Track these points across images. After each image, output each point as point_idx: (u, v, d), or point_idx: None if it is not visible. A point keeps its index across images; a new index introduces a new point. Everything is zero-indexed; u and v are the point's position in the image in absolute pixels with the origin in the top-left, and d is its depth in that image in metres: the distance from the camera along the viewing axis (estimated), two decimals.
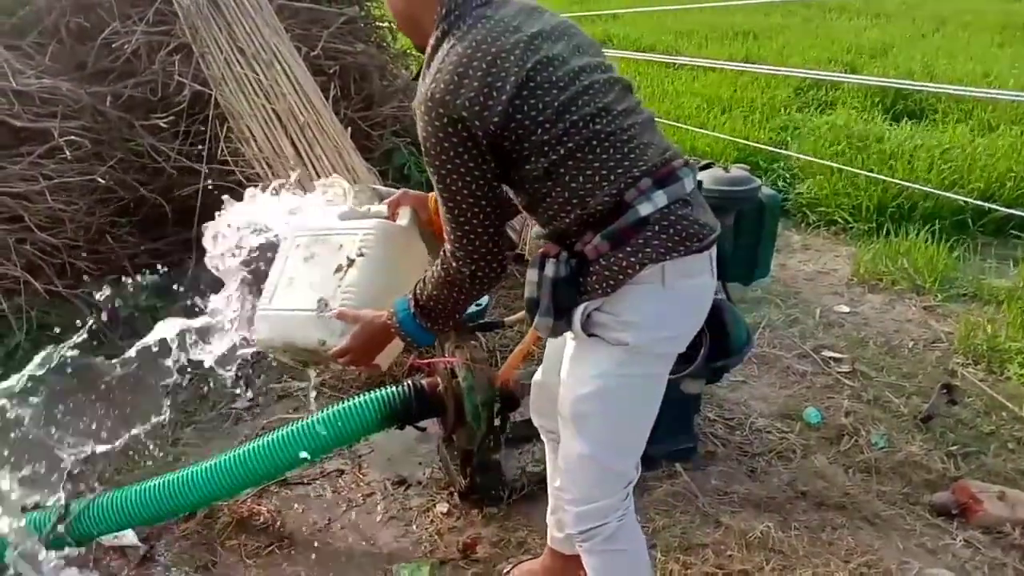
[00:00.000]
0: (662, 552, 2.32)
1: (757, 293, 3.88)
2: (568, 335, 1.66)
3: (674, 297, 1.56)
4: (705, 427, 2.90)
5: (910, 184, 4.73)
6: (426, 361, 2.49)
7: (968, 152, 5.21)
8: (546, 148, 1.51)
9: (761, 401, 3.10)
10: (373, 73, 4.50)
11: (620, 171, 1.52)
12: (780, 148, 5.68)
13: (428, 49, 1.60)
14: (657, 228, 1.51)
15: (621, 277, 1.51)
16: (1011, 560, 2.32)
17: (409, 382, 2.41)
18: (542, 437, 2.08)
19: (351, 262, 1.90)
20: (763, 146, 5.64)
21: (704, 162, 2.61)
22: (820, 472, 2.70)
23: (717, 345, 2.45)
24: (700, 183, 1.83)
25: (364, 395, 2.35)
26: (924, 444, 2.82)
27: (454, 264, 1.58)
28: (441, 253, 1.62)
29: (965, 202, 4.58)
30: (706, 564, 2.27)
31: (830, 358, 3.38)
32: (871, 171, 4.94)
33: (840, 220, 4.83)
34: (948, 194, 4.62)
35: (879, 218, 4.71)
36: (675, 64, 8.17)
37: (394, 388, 2.37)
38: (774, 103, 6.87)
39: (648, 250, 1.50)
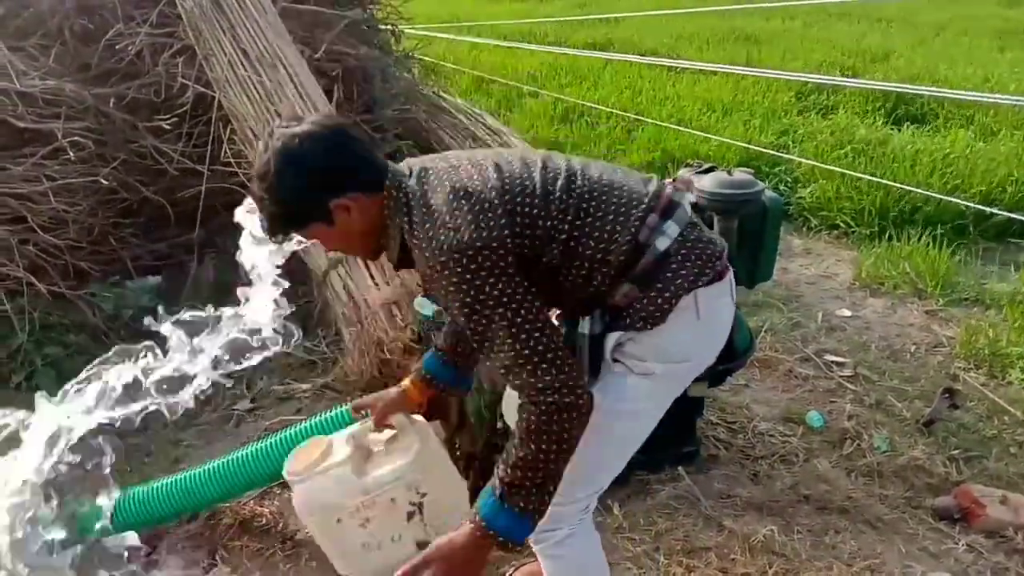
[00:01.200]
0: (665, 555, 2.32)
1: (759, 297, 3.88)
2: None
3: (706, 325, 1.58)
4: (707, 431, 2.90)
5: (912, 188, 4.73)
6: None
7: (969, 157, 5.22)
8: (552, 232, 1.50)
9: (763, 405, 3.10)
10: (376, 76, 4.50)
11: (623, 217, 1.52)
12: (782, 152, 5.69)
13: (396, 236, 1.55)
14: (680, 258, 1.53)
15: (659, 314, 1.52)
16: (1014, 565, 2.32)
17: None
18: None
19: (419, 504, 1.90)
20: (765, 150, 5.65)
21: (706, 166, 2.61)
22: (823, 476, 2.70)
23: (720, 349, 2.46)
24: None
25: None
26: (926, 448, 2.82)
27: (543, 399, 1.41)
28: (520, 414, 1.46)
29: (966, 206, 4.58)
30: (709, 568, 2.27)
31: (832, 362, 3.38)
32: (873, 175, 4.95)
33: (842, 224, 4.83)
34: (950, 198, 4.62)
35: (881, 222, 4.71)
36: (676, 68, 8.18)
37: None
38: (775, 107, 6.88)
39: (679, 281, 1.52)
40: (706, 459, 2.77)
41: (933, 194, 4.67)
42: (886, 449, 2.82)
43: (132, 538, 2.39)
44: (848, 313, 3.85)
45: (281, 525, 2.48)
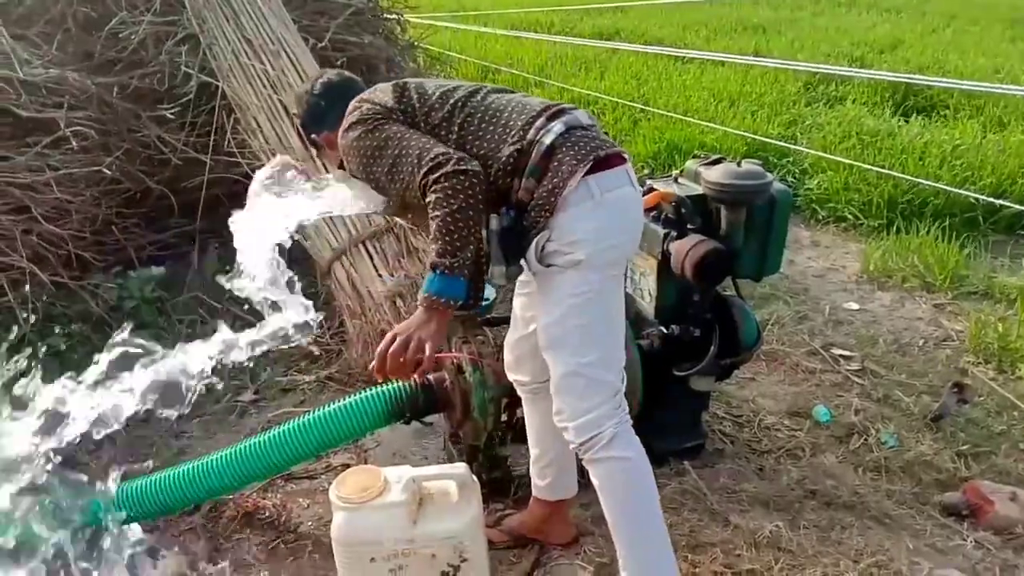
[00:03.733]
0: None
1: (766, 290, 3.85)
2: (526, 278, 1.91)
3: (607, 209, 1.76)
4: (714, 424, 2.88)
5: (921, 181, 4.69)
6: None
7: (979, 148, 5.17)
8: (444, 127, 1.82)
9: (770, 399, 3.08)
10: (380, 65, 4.48)
11: (511, 123, 1.79)
12: (789, 143, 5.64)
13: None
14: (565, 148, 1.74)
15: (553, 199, 1.72)
16: (1022, 562, 2.30)
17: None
18: (517, 391, 2.20)
19: (456, 568, 1.93)
20: (772, 141, 5.61)
21: (714, 157, 2.58)
22: (829, 471, 2.67)
23: (726, 342, 2.44)
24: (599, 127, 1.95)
25: (371, 390, 2.33)
26: (934, 443, 2.80)
27: (438, 173, 1.70)
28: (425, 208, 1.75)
29: (976, 199, 4.54)
30: (714, 563, 2.25)
31: (839, 356, 3.36)
32: (881, 167, 4.91)
33: (850, 216, 4.80)
34: (959, 190, 4.58)
35: (889, 214, 4.68)
36: (683, 58, 8.13)
37: (401, 383, 2.35)
38: (783, 97, 6.83)
39: (564, 168, 1.73)
40: (712, 453, 2.75)
41: (942, 186, 4.62)
42: (893, 444, 2.79)
43: (136, 531, 2.38)
44: (856, 306, 3.82)
45: (284, 518, 2.47)
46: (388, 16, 5.11)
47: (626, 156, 1.85)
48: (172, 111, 3.75)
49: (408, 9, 5.45)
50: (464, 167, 1.70)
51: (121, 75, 3.78)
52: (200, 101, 3.83)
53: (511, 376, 2.19)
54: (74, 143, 3.39)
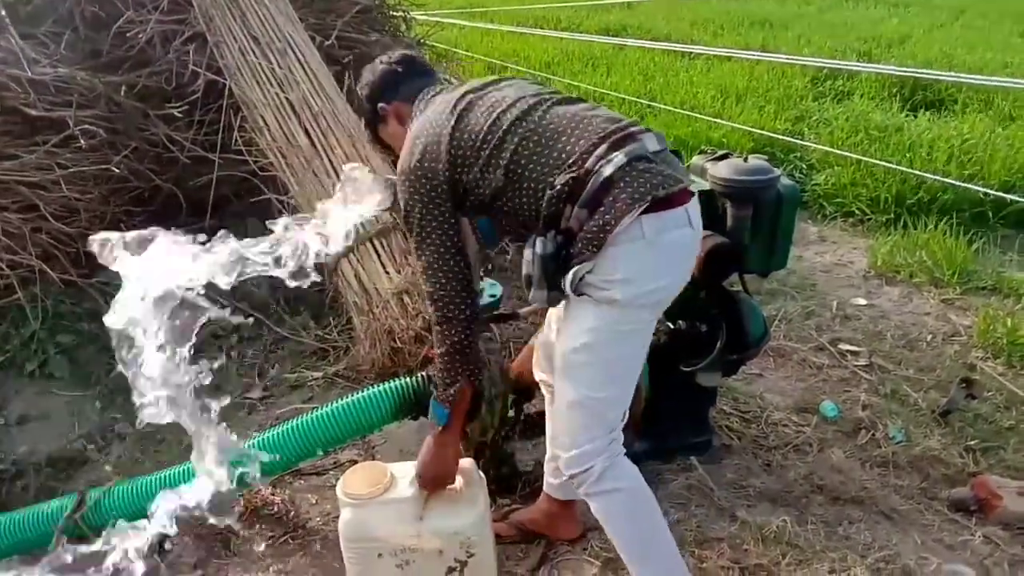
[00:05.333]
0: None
1: (773, 285, 3.85)
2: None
3: (657, 252, 1.69)
4: (721, 420, 2.88)
5: (929, 175, 4.67)
6: None
7: (988, 143, 5.14)
8: (492, 160, 1.74)
9: (777, 394, 3.07)
10: None
11: (572, 148, 1.70)
12: (796, 138, 5.63)
13: None
14: (623, 183, 1.65)
15: (602, 235, 1.64)
16: None
17: (423, 373, 2.39)
18: (543, 391, 2.20)
19: (463, 564, 1.95)
20: (779, 136, 5.59)
21: (720, 152, 2.57)
22: (837, 466, 2.67)
23: (734, 337, 2.43)
24: (679, 153, 1.91)
25: (378, 386, 2.34)
26: (942, 439, 2.79)
27: (432, 308, 1.83)
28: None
29: (985, 194, 4.52)
30: (722, 558, 2.26)
31: (847, 351, 3.35)
32: (889, 162, 4.89)
33: (857, 212, 4.78)
34: (967, 185, 4.56)
35: (897, 209, 4.66)
36: (690, 54, 8.10)
37: (408, 379, 2.36)
38: (790, 93, 6.80)
39: (619, 204, 1.64)
40: (719, 449, 2.75)
41: (951, 181, 4.60)
42: (901, 439, 2.79)
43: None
44: (863, 302, 3.81)
45: (292, 513, 2.48)
46: (395, 14, 5.11)
47: (692, 191, 1.76)
48: (180, 109, 3.76)
49: (415, 7, 5.46)
50: (451, 314, 1.81)
51: (129, 74, 3.80)
52: (208, 99, 3.84)
53: (538, 375, 2.19)
54: (82, 142, 3.40)
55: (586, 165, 1.66)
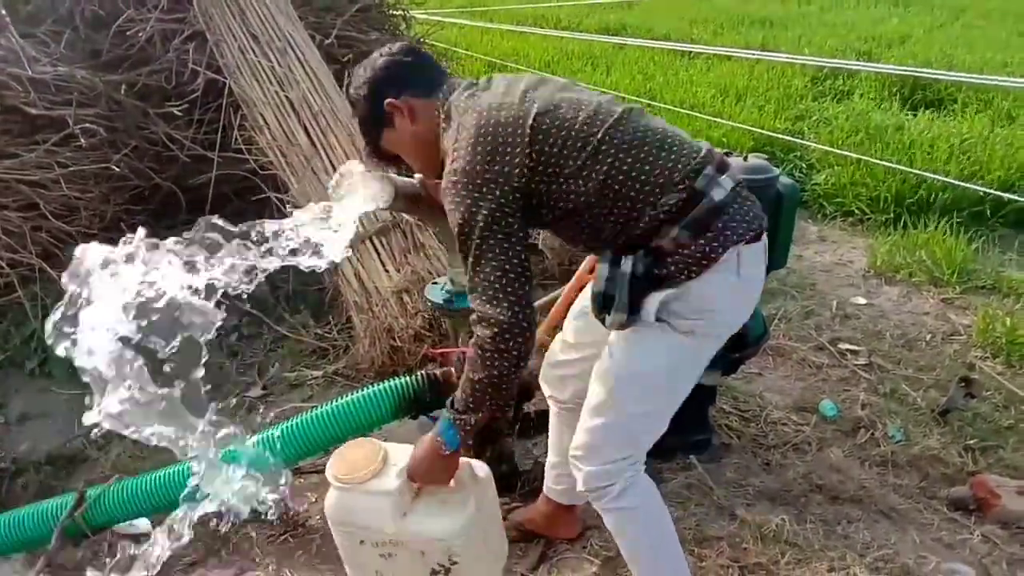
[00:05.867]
0: None
1: (773, 284, 3.85)
2: (589, 308, 1.72)
3: (744, 286, 1.65)
4: (720, 419, 2.88)
5: (928, 175, 4.67)
6: (440, 351, 2.48)
7: (987, 142, 5.14)
8: (584, 172, 1.58)
9: (776, 393, 3.08)
10: None
11: (674, 164, 1.58)
12: (796, 138, 5.62)
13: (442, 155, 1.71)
14: (732, 211, 1.59)
15: (704, 262, 1.57)
16: None
17: (423, 372, 2.40)
18: (549, 404, 2.18)
19: (446, 569, 1.87)
20: (779, 135, 5.59)
21: (720, 151, 2.57)
22: (836, 465, 2.67)
23: (733, 336, 2.43)
24: None
25: (378, 385, 2.34)
26: (941, 438, 2.79)
27: (484, 332, 1.60)
28: (473, 336, 1.64)
29: (984, 193, 4.52)
30: (721, 557, 2.26)
31: (846, 350, 3.35)
32: (889, 161, 4.89)
33: (857, 211, 4.78)
34: (967, 184, 4.56)
35: (896, 209, 4.65)
36: (690, 53, 8.10)
37: (408, 378, 2.36)
38: (790, 92, 6.80)
39: (728, 233, 1.57)
40: (718, 448, 2.75)
41: (950, 180, 4.60)
42: (900, 438, 2.79)
43: (144, 525, 2.41)
44: (863, 301, 3.81)
45: (291, 512, 2.48)
46: (394, 12, 5.12)
47: (765, 225, 1.69)
48: (180, 108, 3.77)
49: (414, 5, 5.46)
50: (504, 345, 1.59)
51: (129, 72, 3.80)
52: (207, 98, 3.85)
53: (547, 391, 2.14)
54: (83, 140, 3.41)
55: (696, 185, 1.57)
